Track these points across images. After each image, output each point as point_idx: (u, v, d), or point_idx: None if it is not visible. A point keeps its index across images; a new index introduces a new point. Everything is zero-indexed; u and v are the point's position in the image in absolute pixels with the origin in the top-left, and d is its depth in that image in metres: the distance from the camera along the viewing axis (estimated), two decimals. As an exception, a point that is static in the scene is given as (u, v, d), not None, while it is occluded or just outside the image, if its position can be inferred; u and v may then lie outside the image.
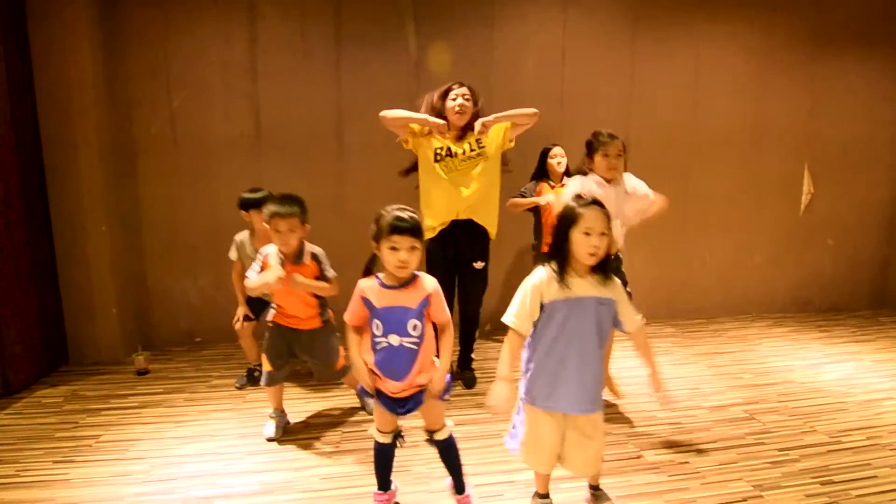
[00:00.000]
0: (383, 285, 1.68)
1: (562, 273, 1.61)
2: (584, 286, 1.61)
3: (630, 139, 3.79)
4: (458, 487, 1.90)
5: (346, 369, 2.44)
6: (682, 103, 3.83)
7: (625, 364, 3.31)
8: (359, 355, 1.74)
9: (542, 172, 3.28)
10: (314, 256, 2.27)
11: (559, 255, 1.62)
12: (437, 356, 1.76)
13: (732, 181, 3.99)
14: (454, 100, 2.67)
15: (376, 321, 1.68)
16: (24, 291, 2.84)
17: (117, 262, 3.20)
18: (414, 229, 1.62)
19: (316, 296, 2.29)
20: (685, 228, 4.00)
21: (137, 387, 2.90)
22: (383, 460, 1.86)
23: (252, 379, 2.89)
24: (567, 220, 1.60)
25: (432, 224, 2.71)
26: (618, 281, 1.67)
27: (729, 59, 3.84)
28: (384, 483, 1.89)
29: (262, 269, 2.21)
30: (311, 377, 2.91)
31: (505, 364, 1.63)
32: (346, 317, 1.74)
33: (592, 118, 3.73)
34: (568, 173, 3.26)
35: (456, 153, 2.67)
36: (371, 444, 1.85)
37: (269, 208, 2.13)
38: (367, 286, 1.70)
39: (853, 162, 4.11)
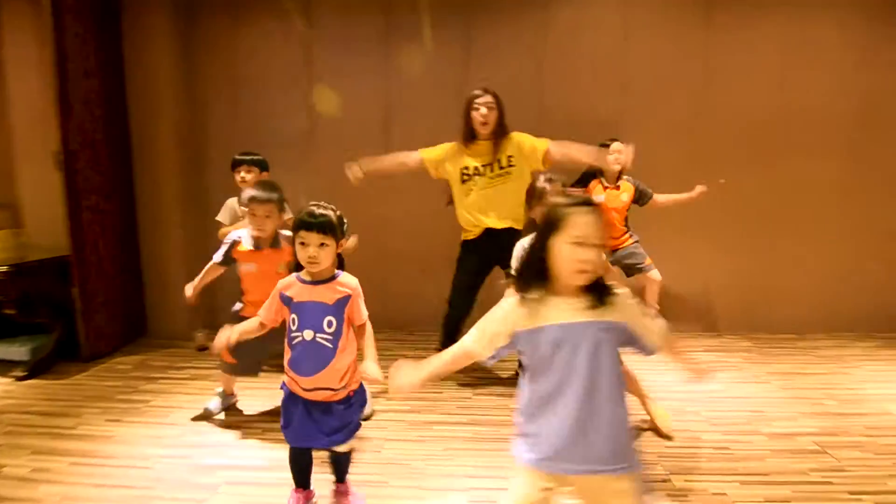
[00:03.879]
0: (302, 280, 1.66)
1: (542, 292, 1.24)
2: (570, 310, 1.22)
3: (706, 125, 3.42)
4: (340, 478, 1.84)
5: None
6: (768, 81, 3.34)
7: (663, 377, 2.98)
8: (239, 331, 1.71)
9: (594, 170, 3.04)
10: (291, 241, 2.30)
11: (534, 270, 1.25)
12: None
13: (835, 172, 3.40)
14: (477, 109, 2.67)
15: (293, 316, 1.64)
16: (109, 271, 3.25)
17: (188, 246, 3.54)
18: (322, 225, 1.58)
19: None
20: (772, 228, 3.49)
21: (193, 361, 3.18)
22: (300, 462, 1.79)
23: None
24: (549, 223, 1.23)
25: (468, 228, 2.77)
26: (627, 297, 1.27)
27: (830, 24, 3.27)
28: (300, 481, 1.82)
29: (231, 255, 2.31)
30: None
31: (434, 361, 1.34)
32: (259, 312, 1.71)
33: (660, 104, 3.41)
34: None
35: (484, 172, 2.68)
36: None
37: (248, 192, 2.22)
38: (287, 282, 1.68)
39: None
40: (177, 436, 2.31)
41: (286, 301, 1.66)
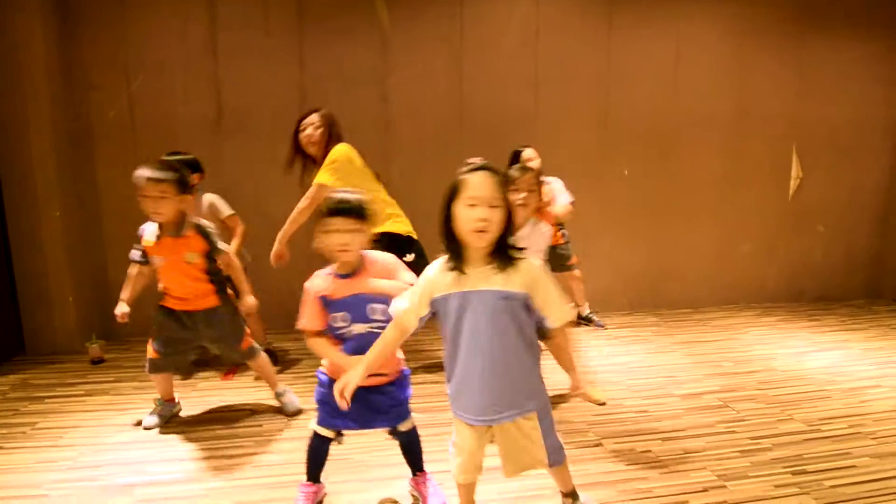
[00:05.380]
0: (337, 276, 1.59)
1: (454, 261, 1.33)
2: (478, 277, 1.32)
3: (608, 122, 3.68)
4: (417, 469, 1.78)
5: (253, 351, 2.32)
6: (662, 84, 3.68)
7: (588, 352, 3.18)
8: (336, 354, 1.60)
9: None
10: (199, 228, 2.12)
11: (447, 238, 1.33)
12: None
13: (716, 165, 3.83)
14: (303, 130, 2.57)
15: (339, 314, 1.58)
16: (-27, 277, 2.77)
17: (74, 249, 3.12)
18: (355, 210, 1.52)
19: (208, 271, 2.17)
20: (667, 215, 3.85)
21: (89, 375, 2.81)
22: (320, 455, 1.73)
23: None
24: (449, 191, 1.31)
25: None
26: (533, 267, 1.35)
27: (712, 37, 3.69)
28: (314, 475, 1.76)
29: (143, 251, 2.14)
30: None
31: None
32: (303, 324, 1.61)
33: (568, 100, 3.61)
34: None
35: None
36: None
37: (141, 173, 2.00)
38: (318, 284, 1.59)
39: (843, 145, 3.94)
40: (74, 457, 2.02)
41: (325, 303, 1.58)
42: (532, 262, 1.36)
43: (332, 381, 1.58)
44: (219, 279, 2.21)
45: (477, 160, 1.37)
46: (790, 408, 2.42)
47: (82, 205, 3.17)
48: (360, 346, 1.57)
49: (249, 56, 3.25)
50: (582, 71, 3.59)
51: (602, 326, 3.51)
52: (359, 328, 1.59)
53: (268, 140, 3.35)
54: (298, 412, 2.33)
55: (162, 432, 2.21)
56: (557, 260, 3.36)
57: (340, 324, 1.60)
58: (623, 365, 2.92)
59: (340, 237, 1.51)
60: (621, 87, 3.64)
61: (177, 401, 2.37)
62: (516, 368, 1.38)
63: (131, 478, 1.89)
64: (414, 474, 1.77)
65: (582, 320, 3.58)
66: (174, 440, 2.15)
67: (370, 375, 1.54)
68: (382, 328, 1.54)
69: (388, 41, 3.36)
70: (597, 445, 2.10)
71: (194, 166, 2.66)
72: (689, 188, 3.83)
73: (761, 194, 3.91)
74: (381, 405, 1.63)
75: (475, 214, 1.26)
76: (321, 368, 1.68)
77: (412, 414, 1.72)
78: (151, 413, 2.28)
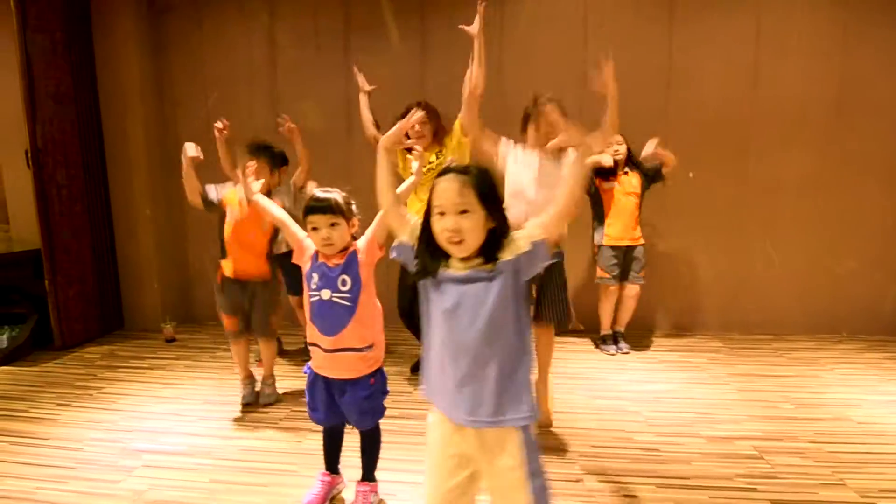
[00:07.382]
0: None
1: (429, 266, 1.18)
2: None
3: (668, 117, 3.30)
4: (366, 474, 1.81)
5: (272, 331, 2.56)
6: (737, 72, 3.20)
7: (615, 377, 2.89)
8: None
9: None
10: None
11: (428, 250, 1.19)
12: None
13: (810, 164, 3.23)
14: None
15: (313, 274, 1.66)
16: (82, 265, 3.40)
17: (162, 243, 3.66)
18: (329, 207, 1.58)
19: (268, 252, 2.47)
20: (744, 222, 3.34)
21: (158, 351, 3.28)
22: (329, 442, 1.83)
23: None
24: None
25: None
26: (516, 238, 1.15)
27: (803, 11, 3.11)
28: (329, 463, 1.85)
29: None
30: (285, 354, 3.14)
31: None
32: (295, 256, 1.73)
33: (621, 96, 3.29)
34: (633, 161, 3.09)
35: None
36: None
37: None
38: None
39: None
40: (115, 421, 2.39)
41: (310, 256, 1.67)
42: (518, 234, 1.15)
43: (315, 376, 1.70)
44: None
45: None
46: (846, 470, 1.97)
47: (169, 205, 3.71)
48: (322, 313, 1.63)
49: (302, 70, 3.51)
50: (638, 61, 3.25)
51: (624, 352, 3.14)
52: (326, 294, 1.63)
53: (318, 146, 3.58)
54: (274, 402, 2.55)
55: (187, 410, 2.51)
56: (629, 265, 3.10)
57: (313, 286, 1.65)
58: (651, 394, 2.61)
59: (321, 233, 1.58)
60: (685, 77, 3.24)
61: (254, 376, 2.60)
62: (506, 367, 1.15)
63: (145, 444, 2.19)
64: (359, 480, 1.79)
65: (605, 338, 3.23)
66: (194, 417, 2.43)
67: (342, 350, 1.63)
68: (347, 299, 1.60)
69: (426, 45, 3.38)
70: (576, 481, 1.92)
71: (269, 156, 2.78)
72: (771, 192, 3.28)
73: (870, 200, 3.21)
74: (353, 406, 1.69)
75: (443, 224, 1.12)
76: (308, 365, 1.75)
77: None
78: (244, 391, 2.56)
